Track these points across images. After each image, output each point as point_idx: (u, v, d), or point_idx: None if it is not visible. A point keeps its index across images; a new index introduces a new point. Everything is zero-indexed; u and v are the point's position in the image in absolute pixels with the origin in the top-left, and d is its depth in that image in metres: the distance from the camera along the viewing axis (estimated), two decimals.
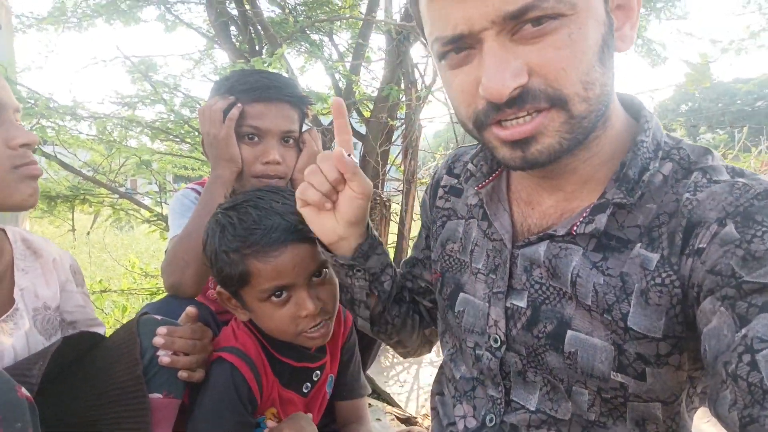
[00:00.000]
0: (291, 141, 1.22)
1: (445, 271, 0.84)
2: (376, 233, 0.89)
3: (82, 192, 2.38)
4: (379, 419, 1.69)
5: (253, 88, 1.17)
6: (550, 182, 0.71)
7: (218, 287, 0.97)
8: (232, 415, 0.91)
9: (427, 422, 1.76)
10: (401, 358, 2.31)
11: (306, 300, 0.90)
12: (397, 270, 0.97)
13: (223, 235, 0.90)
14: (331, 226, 0.82)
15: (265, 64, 1.99)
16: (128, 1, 2.63)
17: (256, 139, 1.18)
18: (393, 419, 1.72)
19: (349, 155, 0.77)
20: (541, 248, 0.69)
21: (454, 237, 0.84)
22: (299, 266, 0.89)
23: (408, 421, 1.75)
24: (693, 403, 0.69)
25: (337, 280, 0.97)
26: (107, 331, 1.05)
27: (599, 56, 0.57)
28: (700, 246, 0.58)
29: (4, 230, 0.93)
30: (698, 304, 0.58)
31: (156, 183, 2.65)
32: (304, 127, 1.30)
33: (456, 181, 0.88)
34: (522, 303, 0.71)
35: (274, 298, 0.90)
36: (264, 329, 0.97)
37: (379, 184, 2.70)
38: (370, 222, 0.87)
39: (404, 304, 0.95)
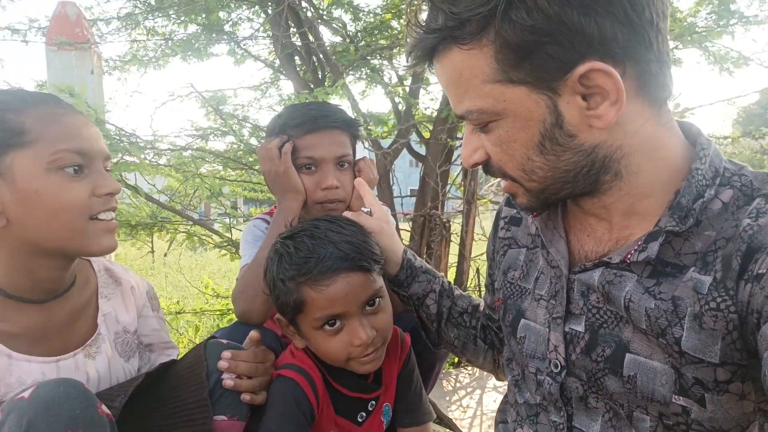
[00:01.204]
0: (346, 165, 1.28)
1: (507, 298, 0.86)
2: (419, 264, 1.02)
3: (160, 219, 2.55)
4: None
5: (302, 122, 1.23)
6: (593, 214, 0.74)
7: (277, 314, 1.01)
8: (295, 428, 0.93)
9: None
10: (464, 383, 2.27)
11: (358, 329, 0.91)
12: (455, 292, 1.06)
13: (280, 263, 0.94)
14: None
15: (328, 94, 2.07)
16: (201, 38, 2.82)
17: (313, 168, 1.24)
18: None
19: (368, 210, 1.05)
20: (596, 274, 0.70)
21: (515, 265, 0.87)
22: (351, 295, 0.90)
23: None
24: None
25: (390, 308, 0.99)
26: (181, 351, 1.11)
27: (537, 149, 0.66)
28: (761, 271, 0.57)
29: (89, 260, 1.02)
30: (758, 330, 0.57)
31: (225, 209, 2.79)
32: (360, 154, 1.34)
33: (515, 211, 0.92)
34: (580, 327, 0.72)
35: (327, 327, 0.92)
36: (318, 355, 0.99)
37: (439, 205, 2.70)
38: (407, 254, 1.01)
39: (463, 328, 1.02)
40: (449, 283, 1.06)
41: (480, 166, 0.74)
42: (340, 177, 1.25)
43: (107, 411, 0.74)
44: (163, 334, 1.09)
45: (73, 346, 0.90)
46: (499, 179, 0.76)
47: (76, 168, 0.83)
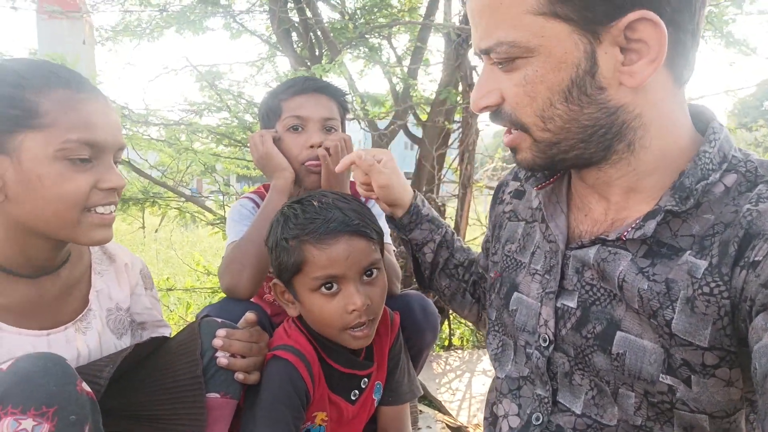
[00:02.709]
0: (333, 130, 1.30)
1: (503, 271, 0.86)
2: (425, 211, 1.04)
3: (152, 195, 2.52)
4: (429, 427, 1.68)
5: (291, 85, 1.30)
6: (596, 190, 0.73)
7: (274, 279, 1.02)
8: (289, 410, 0.93)
9: (479, 431, 1.74)
10: (453, 366, 2.29)
11: (354, 294, 0.93)
12: (456, 244, 1.08)
13: (285, 224, 0.97)
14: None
15: (325, 71, 2.03)
16: (197, 11, 2.76)
17: (300, 129, 1.27)
18: (444, 427, 1.71)
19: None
20: (592, 251, 0.70)
21: (513, 238, 0.87)
22: (351, 258, 0.93)
23: (459, 429, 1.74)
24: (755, 429, 0.66)
25: (386, 285, 1.00)
26: (172, 328, 1.11)
27: (563, 95, 0.63)
28: (756, 259, 0.56)
29: None
30: (750, 319, 0.56)
31: (218, 186, 2.76)
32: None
33: (519, 184, 0.91)
34: (572, 303, 0.72)
35: (324, 290, 0.94)
36: (311, 323, 1.00)
37: (435, 188, 2.69)
38: (417, 200, 1.04)
39: (455, 280, 1.07)
40: (453, 233, 1.08)
41: (489, 112, 0.71)
42: (326, 139, 1.26)
43: (88, 389, 0.72)
44: (156, 313, 1.08)
45: (64, 320, 0.89)
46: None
47: (84, 159, 0.81)
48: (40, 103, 0.78)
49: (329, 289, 0.94)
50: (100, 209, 0.84)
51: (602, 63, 0.61)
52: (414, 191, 1.06)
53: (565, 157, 0.69)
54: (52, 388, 0.66)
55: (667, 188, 0.66)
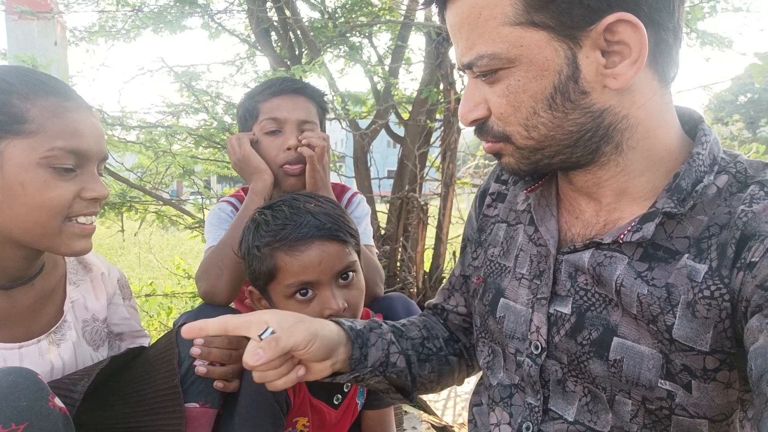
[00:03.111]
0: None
1: (487, 276, 0.84)
2: (359, 324, 0.82)
3: (128, 199, 2.47)
4: (414, 427, 1.68)
5: (268, 86, 1.28)
6: (585, 192, 0.72)
7: (249, 287, 1.00)
8: (268, 417, 0.92)
9: (464, 431, 1.74)
10: None
11: (330, 299, 0.92)
12: (400, 326, 0.89)
13: (257, 231, 0.94)
14: (317, 370, 0.76)
15: (305, 72, 2.01)
16: (174, 11, 2.71)
17: (277, 132, 1.25)
18: (429, 428, 1.71)
19: (265, 333, 0.69)
20: (586, 255, 0.69)
21: (495, 241, 0.84)
22: (325, 263, 0.91)
23: (444, 429, 1.73)
24: (744, 428, 0.65)
25: (363, 286, 0.99)
26: (153, 334, 1.08)
27: (547, 102, 0.63)
28: (753, 260, 0.56)
29: None
30: (746, 320, 0.56)
31: (197, 188, 2.72)
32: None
33: (504, 187, 0.89)
34: (566, 309, 0.71)
35: (299, 296, 0.92)
36: None
37: (417, 188, 2.69)
38: (344, 324, 0.80)
39: (433, 358, 0.90)
40: (386, 321, 0.91)
41: (474, 127, 0.70)
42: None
43: (60, 405, 0.70)
44: (134, 323, 1.06)
45: (37, 332, 0.87)
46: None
47: (68, 168, 0.79)
48: (26, 110, 0.76)
49: (304, 295, 0.93)
50: (81, 219, 0.83)
51: (584, 67, 0.61)
52: (332, 319, 0.84)
53: (550, 162, 0.68)
54: (22, 404, 0.64)
55: (660, 189, 0.65)
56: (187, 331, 0.70)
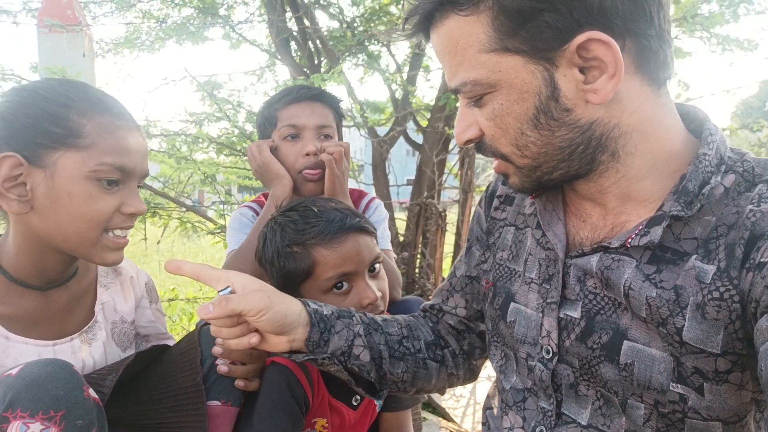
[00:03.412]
0: (329, 138, 1.30)
1: (496, 280, 0.84)
2: (328, 310, 0.82)
3: (152, 206, 2.53)
4: None
5: (286, 94, 1.30)
6: (589, 198, 0.72)
7: None
8: (288, 417, 0.93)
9: None
10: None
11: (367, 288, 0.95)
12: (379, 320, 0.88)
13: (284, 232, 0.97)
14: (274, 343, 0.76)
15: (324, 80, 2.04)
16: (196, 22, 2.78)
17: (295, 137, 1.27)
18: None
19: (224, 291, 0.73)
20: (594, 259, 0.69)
21: (504, 245, 0.84)
22: (361, 254, 0.95)
23: None
24: (761, 429, 0.65)
25: (386, 278, 1.02)
26: (175, 339, 1.10)
27: (532, 123, 0.64)
28: (762, 260, 0.56)
29: None
30: (756, 321, 0.56)
31: (219, 197, 2.77)
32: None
33: (511, 189, 0.88)
34: (576, 313, 0.70)
35: (335, 290, 0.95)
36: None
37: (436, 195, 2.69)
38: (310, 305, 0.80)
39: (410, 357, 0.87)
40: (365, 313, 0.89)
41: (473, 144, 0.72)
42: (321, 147, 1.26)
43: (94, 395, 0.73)
44: (159, 326, 1.09)
45: (69, 331, 0.90)
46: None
47: (112, 181, 0.84)
48: (83, 125, 0.81)
49: (340, 288, 0.95)
50: (117, 232, 0.87)
51: (563, 86, 0.62)
52: (298, 299, 0.81)
53: (551, 177, 0.69)
54: (59, 393, 0.67)
55: (667, 192, 0.65)
56: (168, 264, 0.76)
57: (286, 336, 0.76)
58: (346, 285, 0.95)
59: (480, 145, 0.72)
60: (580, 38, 0.58)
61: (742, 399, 0.61)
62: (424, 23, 0.67)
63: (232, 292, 0.73)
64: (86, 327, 0.92)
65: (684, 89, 2.50)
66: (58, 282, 0.90)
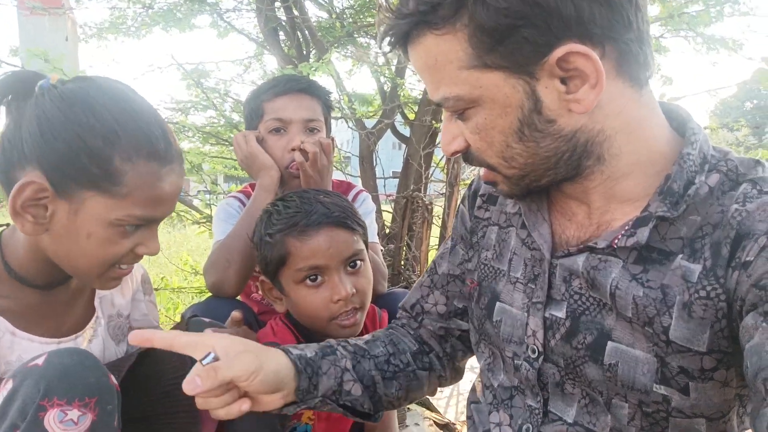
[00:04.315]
0: (316, 131, 1.28)
1: (481, 280, 0.84)
2: (310, 351, 0.79)
3: None
4: (417, 424, 1.69)
5: (273, 86, 1.27)
6: (574, 197, 0.73)
7: (261, 277, 1.03)
8: None
9: (465, 429, 1.75)
10: None
11: (338, 284, 0.95)
12: (361, 344, 0.86)
13: (269, 220, 1.00)
14: (266, 402, 0.72)
15: (312, 69, 2.03)
16: (183, 9, 2.74)
17: (282, 131, 1.26)
18: (431, 425, 1.72)
19: (206, 358, 0.65)
20: (580, 259, 0.69)
21: (488, 245, 0.84)
22: (334, 248, 0.96)
23: (446, 427, 1.75)
24: (744, 423, 0.67)
25: (371, 276, 1.02)
26: (161, 329, 1.10)
27: (516, 135, 0.65)
28: (747, 259, 0.57)
29: None
30: (741, 319, 0.57)
31: (205, 185, 2.75)
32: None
33: (494, 189, 0.88)
34: (561, 313, 0.71)
35: (308, 282, 0.96)
36: (298, 317, 1.01)
37: (422, 187, 2.70)
38: (292, 352, 0.76)
39: (400, 375, 0.87)
40: (348, 341, 0.86)
41: (460, 155, 0.72)
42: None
43: (115, 381, 0.74)
44: (151, 319, 1.08)
45: (71, 328, 0.90)
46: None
47: (133, 228, 0.80)
48: (124, 172, 0.75)
49: (314, 280, 0.96)
50: (123, 266, 0.84)
51: (545, 98, 0.62)
52: (278, 346, 0.78)
53: (539, 184, 0.70)
54: (90, 380, 0.69)
55: (651, 191, 0.65)
56: (133, 337, 0.69)
57: (279, 393, 0.71)
58: (319, 278, 0.96)
59: (467, 155, 0.72)
60: (559, 51, 0.58)
61: (726, 396, 0.62)
62: (400, 41, 0.66)
63: (215, 359, 0.65)
64: (90, 323, 0.92)
65: (668, 84, 2.53)
66: (60, 283, 0.89)
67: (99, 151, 0.74)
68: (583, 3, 0.57)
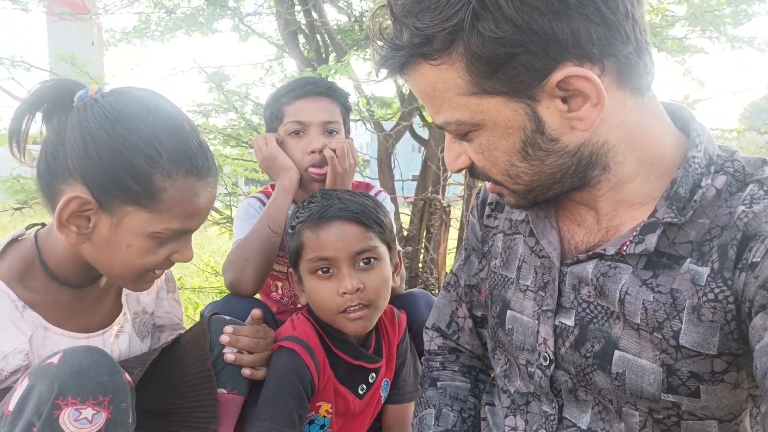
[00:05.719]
0: (335, 133, 1.29)
1: (492, 288, 0.85)
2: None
3: None
4: None
5: (292, 89, 1.29)
6: (582, 203, 0.73)
7: (289, 268, 1.08)
8: (292, 399, 0.95)
9: None
10: None
11: (345, 278, 0.97)
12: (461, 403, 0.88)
13: (295, 214, 1.05)
14: None
15: (331, 72, 2.05)
16: (205, 13, 2.78)
17: (301, 133, 1.27)
18: None
19: None
20: (590, 266, 0.69)
21: (496, 252, 0.85)
22: (342, 241, 0.97)
23: None
24: (758, 423, 0.66)
25: (386, 278, 1.02)
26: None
27: (520, 155, 0.65)
28: (754, 260, 0.56)
29: None
30: (750, 320, 0.57)
31: (226, 187, 2.78)
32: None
33: (501, 199, 0.88)
34: (570, 321, 0.71)
35: (320, 273, 0.99)
36: (312, 308, 1.04)
37: (440, 190, 2.70)
38: None
39: (476, 415, 0.89)
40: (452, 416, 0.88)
41: (465, 170, 0.73)
42: (328, 143, 1.26)
43: (129, 379, 0.76)
44: (174, 317, 1.10)
45: (100, 323, 0.93)
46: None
47: (168, 239, 0.84)
48: (163, 189, 0.79)
49: (325, 272, 0.99)
50: (157, 271, 0.89)
51: (547, 118, 0.62)
52: None
53: (546, 196, 0.71)
54: (104, 379, 0.71)
55: (658, 195, 0.65)
56: None
57: None
58: (330, 270, 0.98)
59: (473, 171, 0.72)
60: (557, 76, 0.58)
61: (738, 397, 0.62)
62: (396, 71, 0.66)
63: None
64: (117, 319, 0.95)
65: (700, 87, 2.48)
66: (91, 281, 0.92)
67: (141, 170, 0.78)
68: (579, 25, 0.56)
